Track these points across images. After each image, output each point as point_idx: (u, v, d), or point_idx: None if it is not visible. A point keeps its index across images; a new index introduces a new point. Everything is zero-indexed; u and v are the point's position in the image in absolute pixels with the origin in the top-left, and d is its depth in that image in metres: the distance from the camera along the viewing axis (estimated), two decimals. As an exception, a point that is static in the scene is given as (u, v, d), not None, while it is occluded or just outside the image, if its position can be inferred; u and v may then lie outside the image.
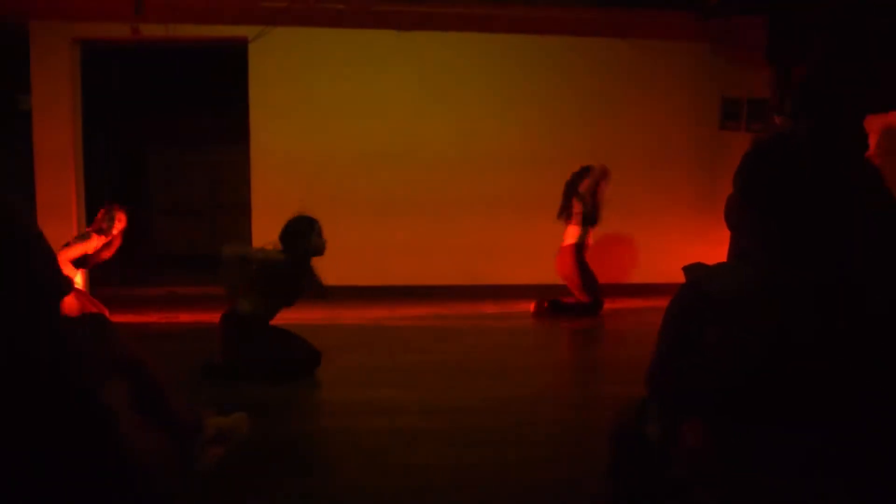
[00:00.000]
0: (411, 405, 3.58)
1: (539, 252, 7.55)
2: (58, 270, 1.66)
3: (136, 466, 1.70)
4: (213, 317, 6.20)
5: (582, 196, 6.37)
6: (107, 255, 5.90)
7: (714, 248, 6.67)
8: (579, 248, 6.38)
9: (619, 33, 7.74)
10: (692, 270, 1.59)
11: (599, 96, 7.88)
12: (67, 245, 5.73)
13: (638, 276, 7.82)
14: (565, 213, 6.47)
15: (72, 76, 7.50)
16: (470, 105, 7.78)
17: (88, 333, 1.94)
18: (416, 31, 7.63)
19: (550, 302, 6.42)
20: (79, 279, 6.03)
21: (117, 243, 5.93)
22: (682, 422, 1.46)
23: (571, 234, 6.42)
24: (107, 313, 5.83)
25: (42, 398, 1.47)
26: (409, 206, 7.74)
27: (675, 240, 7.82)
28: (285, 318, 4.46)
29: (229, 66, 7.98)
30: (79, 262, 5.77)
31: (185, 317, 6.32)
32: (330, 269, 7.56)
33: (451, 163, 7.77)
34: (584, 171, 6.50)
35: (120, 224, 5.87)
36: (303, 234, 4.22)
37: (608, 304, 6.57)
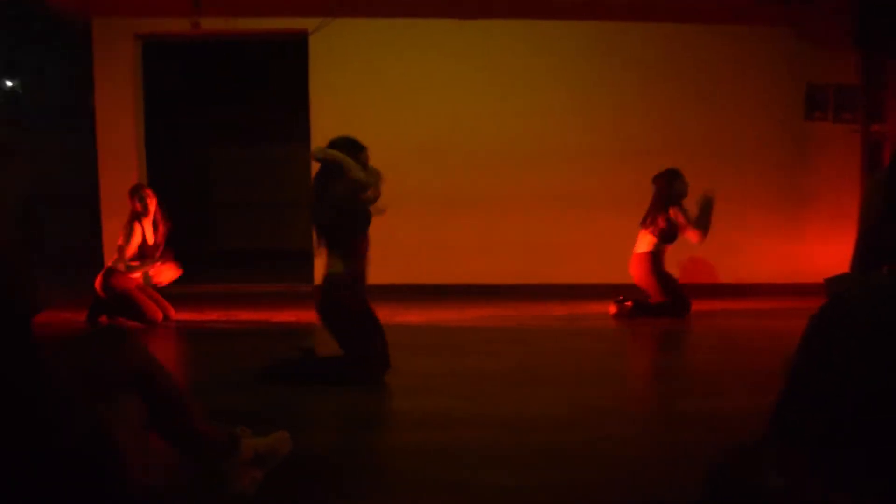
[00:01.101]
0: (469, 417, 3.29)
1: (609, 250, 7.16)
2: (28, 287, 1.42)
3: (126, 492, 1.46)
4: (272, 315, 6.15)
5: (672, 218, 5.87)
6: (159, 239, 5.79)
7: (797, 246, 6.13)
8: (655, 255, 5.97)
9: (691, 18, 7.26)
10: (836, 284, 1.23)
11: (671, 86, 7.41)
12: (121, 248, 5.62)
13: (722, 276, 7.34)
14: (649, 222, 5.98)
15: (134, 72, 7.47)
16: (535, 96, 7.43)
17: (96, 350, 1.72)
18: (480, 19, 7.32)
19: (633, 302, 5.95)
20: (146, 275, 5.90)
21: (162, 226, 5.82)
22: (816, 474, 1.10)
23: (647, 242, 5.99)
24: (172, 313, 5.72)
25: (10, 427, 1.24)
26: (473, 201, 7.44)
27: (756, 238, 7.32)
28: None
29: (291, 60, 7.82)
30: (141, 257, 5.66)
31: (244, 315, 6.17)
32: (391, 266, 7.42)
33: (516, 156, 7.43)
34: (675, 177, 5.99)
35: (152, 200, 5.75)
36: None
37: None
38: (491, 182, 7.43)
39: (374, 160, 7.35)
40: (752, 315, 6.03)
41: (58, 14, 7.29)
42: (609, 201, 7.39)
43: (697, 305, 6.19)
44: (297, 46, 7.46)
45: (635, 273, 6.07)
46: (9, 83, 9.00)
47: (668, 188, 5.93)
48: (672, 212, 5.85)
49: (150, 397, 1.78)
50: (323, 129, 7.38)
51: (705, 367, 4.43)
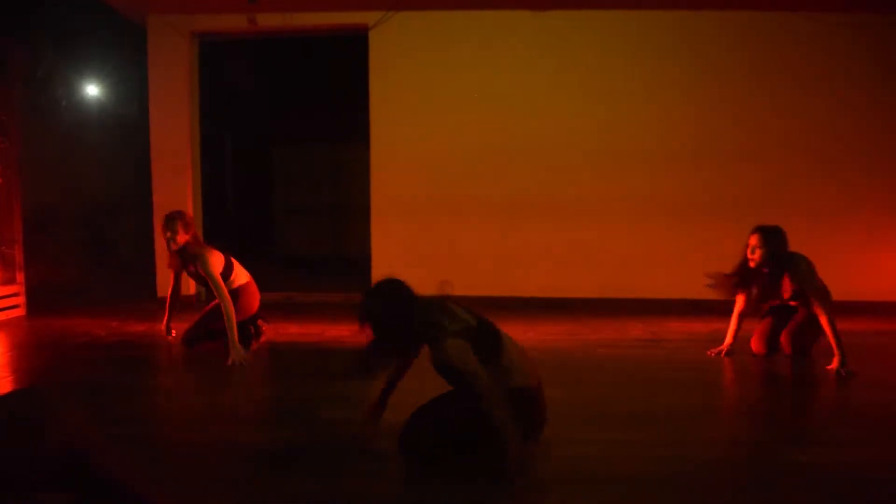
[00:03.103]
0: (537, 465, 2.76)
1: (688, 262, 6.58)
2: None
3: None
4: (322, 330, 5.71)
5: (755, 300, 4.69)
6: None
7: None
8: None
9: (777, 5, 6.54)
10: None
11: (764, 84, 6.70)
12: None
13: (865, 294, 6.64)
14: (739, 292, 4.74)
15: (190, 71, 7.18)
16: (611, 95, 6.83)
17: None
18: (554, 10, 6.76)
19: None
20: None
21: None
22: None
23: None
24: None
25: None
26: (542, 207, 6.89)
27: (860, 248, 6.58)
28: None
29: (353, 58, 7.41)
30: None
31: (294, 329, 5.76)
32: (452, 276, 6.92)
33: (589, 159, 6.86)
34: (781, 248, 4.54)
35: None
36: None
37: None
38: (561, 187, 6.87)
39: (435, 164, 6.95)
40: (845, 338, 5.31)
41: (117, 14, 7.07)
42: (693, 208, 6.77)
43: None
44: (358, 42, 7.05)
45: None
46: (92, 90, 8.88)
47: (776, 268, 4.54)
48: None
49: (85, 488, 1.31)
50: (383, 129, 6.96)
51: (830, 408, 3.79)
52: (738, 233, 6.67)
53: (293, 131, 10.55)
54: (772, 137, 6.71)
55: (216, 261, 4.78)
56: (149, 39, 7.06)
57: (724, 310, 6.38)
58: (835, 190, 6.70)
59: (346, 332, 5.64)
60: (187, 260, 4.80)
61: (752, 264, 4.52)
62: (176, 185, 7.13)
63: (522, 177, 6.89)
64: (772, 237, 4.51)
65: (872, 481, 2.67)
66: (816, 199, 6.69)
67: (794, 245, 6.62)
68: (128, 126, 8.31)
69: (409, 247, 6.99)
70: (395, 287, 2.84)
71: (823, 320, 4.30)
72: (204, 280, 4.78)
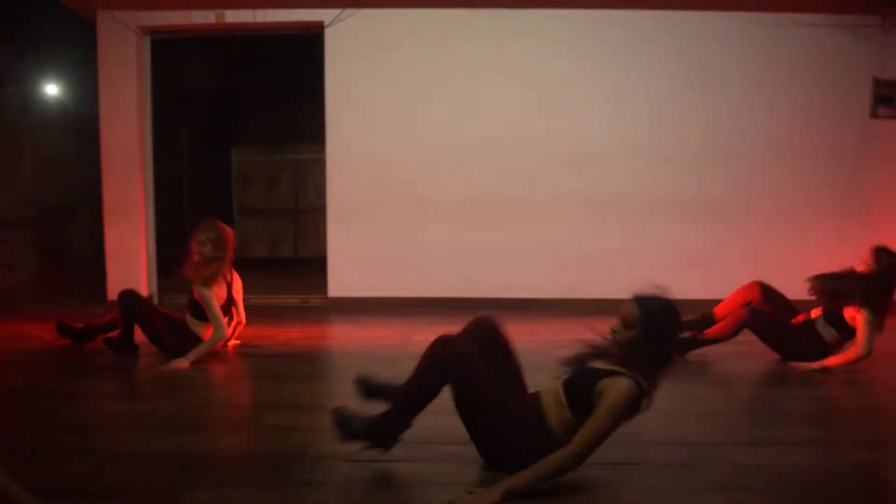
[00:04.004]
0: (471, 473, 2.69)
1: (649, 261, 6.60)
2: None
3: None
4: (275, 333, 5.59)
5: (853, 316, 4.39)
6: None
7: (854, 257, 5.36)
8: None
9: (739, 6, 6.58)
10: None
11: (718, 82, 6.74)
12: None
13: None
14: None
15: (141, 69, 7.00)
16: (568, 93, 6.81)
17: None
18: (516, 8, 6.71)
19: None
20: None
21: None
22: None
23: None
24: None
25: None
26: (501, 208, 6.84)
27: (813, 247, 6.63)
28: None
29: (310, 57, 7.29)
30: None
31: (247, 332, 5.63)
32: (409, 279, 6.86)
33: (548, 159, 6.83)
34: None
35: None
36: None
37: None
38: (520, 187, 6.84)
39: (392, 163, 6.87)
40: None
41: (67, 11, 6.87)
42: (646, 209, 6.78)
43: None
44: (314, 41, 6.93)
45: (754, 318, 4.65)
46: (45, 89, 8.63)
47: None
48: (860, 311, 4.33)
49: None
50: (338, 129, 6.87)
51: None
52: (696, 232, 6.74)
53: (252, 131, 10.40)
54: (732, 138, 6.73)
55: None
56: (98, 36, 6.88)
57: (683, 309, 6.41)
58: (799, 192, 6.74)
59: (299, 335, 5.54)
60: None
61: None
62: (127, 186, 6.96)
63: (481, 176, 6.84)
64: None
65: (820, 481, 2.65)
66: (779, 199, 6.74)
67: (757, 243, 6.69)
68: (81, 126, 8.09)
69: (365, 248, 6.90)
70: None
71: (847, 356, 4.31)
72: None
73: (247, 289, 5.42)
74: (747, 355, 4.78)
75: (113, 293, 6.64)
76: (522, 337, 5.41)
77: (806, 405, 3.72)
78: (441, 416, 2.91)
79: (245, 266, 9.49)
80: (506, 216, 6.84)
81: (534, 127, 6.80)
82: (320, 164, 7.41)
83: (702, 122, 6.75)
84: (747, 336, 4.65)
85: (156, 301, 6.98)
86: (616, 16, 6.71)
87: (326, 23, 6.75)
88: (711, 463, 2.83)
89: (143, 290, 6.84)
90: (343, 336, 5.32)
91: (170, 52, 7.53)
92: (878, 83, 6.59)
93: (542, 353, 4.92)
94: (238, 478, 2.71)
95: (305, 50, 7.34)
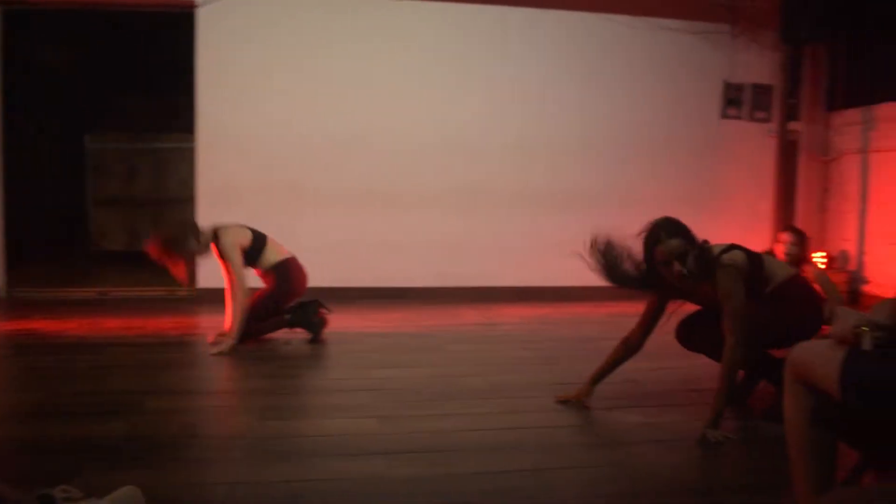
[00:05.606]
0: (377, 443, 2.72)
1: (519, 250, 6.82)
2: None
3: None
4: (143, 324, 5.35)
5: None
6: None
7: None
8: None
9: (608, 8, 6.94)
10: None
11: (586, 79, 7.05)
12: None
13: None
14: None
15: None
16: (449, 86, 6.89)
17: None
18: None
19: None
20: None
21: None
22: None
23: None
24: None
25: None
26: (378, 197, 6.83)
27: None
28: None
29: (180, 40, 6.96)
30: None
31: (112, 324, 5.34)
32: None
33: (426, 149, 6.86)
34: None
35: None
36: None
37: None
38: (397, 177, 6.85)
39: (269, 151, 6.71)
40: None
41: None
42: (518, 199, 7.00)
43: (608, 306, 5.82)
44: (185, 22, 6.64)
45: None
46: None
47: None
48: None
49: None
50: (211, 116, 6.63)
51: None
52: (564, 223, 7.02)
53: (111, 117, 9.80)
54: (598, 133, 7.04)
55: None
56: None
57: (550, 297, 6.69)
58: (654, 184, 7.16)
59: (169, 325, 5.34)
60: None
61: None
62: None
63: (358, 166, 6.80)
64: None
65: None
66: (636, 191, 7.11)
67: (616, 232, 7.01)
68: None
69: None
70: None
71: None
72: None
73: (106, 282, 5.17)
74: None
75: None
76: (405, 324, 5.48)
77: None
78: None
79: (102, 259, 9.05)
80: (381, 205, 6.84)
81: (409, 117, 6.83)
82: (186, 153, 7.14)
83: (569, 116, 7.03)
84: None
85: (3, 295, 6.45)
86: (491, 10, 6.88)
87: (199, 2, 6.49)
88: (602, 423, 2.99)
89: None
90: (216, 326, 5.14)
91: (23, 26, 6.98)
92: (727, 86, 7.13)
93: (428, 337, 5.02)
94: (125, 460, 2.58)
95: (173, 32, 7.02)
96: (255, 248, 4.76)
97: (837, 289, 4.64)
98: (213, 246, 4.76)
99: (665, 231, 3.02)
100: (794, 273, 3.26)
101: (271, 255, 4.83)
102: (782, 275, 3.13)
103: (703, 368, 3.88)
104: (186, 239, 4.64)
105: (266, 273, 4.80)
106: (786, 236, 5.08)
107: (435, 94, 6.87)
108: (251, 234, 4.84)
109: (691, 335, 3.33)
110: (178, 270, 4.69)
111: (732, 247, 3.07)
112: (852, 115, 6.84)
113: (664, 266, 2.98)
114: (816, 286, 4.08)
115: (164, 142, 9.50)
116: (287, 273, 4.82)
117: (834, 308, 1.90)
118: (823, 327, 3.48)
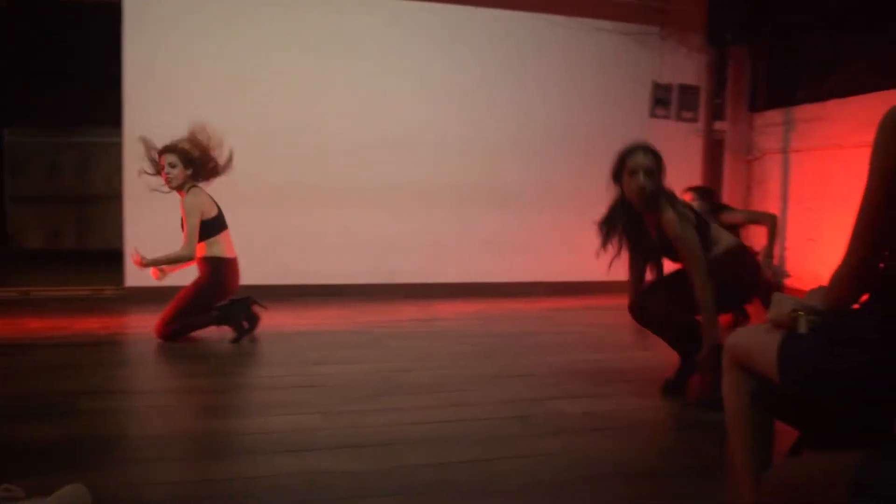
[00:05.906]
0: (320, 439, 2.71)
1: (454, 246, 6.87)
2: None
3: None
4: (69, 324, 5.15)
5: None
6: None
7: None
8: None
9: (544, 8, 7.04)
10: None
11: (520, 77, 7.14)
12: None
13: (566, 275, 7.14)
14: None
15: None
16: (383, 83, 6.87)
17: None
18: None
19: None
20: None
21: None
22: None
23: None
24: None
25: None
26: (312, 194, 6.76)
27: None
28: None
29: (104, 32, 6.73)
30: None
31: (36, 324, 5.13)
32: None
33: (360, 147, 6.82)
34: None
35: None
36: None
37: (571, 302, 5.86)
38: (332, 174, 6.79)
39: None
40: (598, 312, 5.85)
41: None
42: (454, 196, 7.04)
43: (546, 302, 5.93)
44: (110, 12, 6.42)
45: None
46: None
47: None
48: None
49: None
50: (139, 110, 6.43)
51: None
52: (501, 220, 7.10)
53: (30, 111, 9.41)
54: (532, 130, 7.13)
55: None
56: None
57: (487, 293, 6.75)
58: (588, 181, 7.28)
59: (97, 325, 5.15)
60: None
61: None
62: None
63: (292, 161, 6.71)
64: None
65: (641, 423, 2.93)
66: (570, 188, 7.22)
67: (550, 228, 7.17)
68: None
69: (169, 234, 6.47)
70: None
71: None
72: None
73: (27, 282, 4.96)
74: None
75: None
76: (342, 321, 5.44)
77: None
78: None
79: (22, 258, 8.69)
80: (316, 202, 6.77)
81: (343, 113, 6.78)
82: (110, 148, 6.91)
83: (505, 114, 7.10)
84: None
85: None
86: (428, 8, 6.88)
87: (125, -8, 6.29)
88: (542, 414, 3.03)
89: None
90: (146, 325, 5.00)
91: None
92: (656, 86, 7.33)
93: (366, 333, 4.99)
94: (63, 462, 2.49)
95: (98, 24, 6.79)
96: (211, 227, 4.79)
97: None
98: (181, 195, 4.83)
99: (644, 149, 3.31)
100: (738, 243, 3.48)
101: (219, 247, 4.79)
102: (726, 243, 3.34)
103: (638, 360, 4.00)
104: (188, 164, 4.91)
105: (205, 260, 4.71)
106: (688, 196, 5.25)
107: (370, 90, 6.84)
108: (217, 213, 4.90)
109: (643, 312, 3.50)
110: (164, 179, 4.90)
111: (688, 206, 3.47)
112: (774, 115, 7.12)
113: (630, 175, 3.24)
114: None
115: (89, 136, 9.20)
116: (222, 270, 4.74)
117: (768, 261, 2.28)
118: (756, 297, 3.79)
